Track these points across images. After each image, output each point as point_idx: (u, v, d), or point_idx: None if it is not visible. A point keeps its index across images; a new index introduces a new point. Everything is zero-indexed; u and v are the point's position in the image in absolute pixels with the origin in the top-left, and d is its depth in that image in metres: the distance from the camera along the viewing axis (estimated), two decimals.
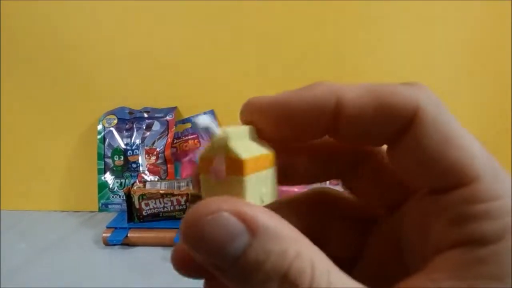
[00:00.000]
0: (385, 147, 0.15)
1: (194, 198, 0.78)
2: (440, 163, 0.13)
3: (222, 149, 0.14)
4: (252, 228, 0.12)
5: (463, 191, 0.13)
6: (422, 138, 0.13)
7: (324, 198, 0.19)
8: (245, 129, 0.15)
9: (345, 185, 0.18)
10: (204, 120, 0.14)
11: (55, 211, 0.89)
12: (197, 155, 0.88)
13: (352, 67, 0.84)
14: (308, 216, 0.18)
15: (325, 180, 0.18)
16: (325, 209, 0.18)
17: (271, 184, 0.15)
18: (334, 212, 0.18)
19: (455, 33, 0.81)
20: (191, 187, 0.76)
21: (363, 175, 0.17)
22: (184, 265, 0.16)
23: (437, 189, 0.14)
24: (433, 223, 0.14)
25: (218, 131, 0.14)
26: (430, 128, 0.13)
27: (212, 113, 0.87)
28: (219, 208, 0.12)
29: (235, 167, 0.13)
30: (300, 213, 0.18)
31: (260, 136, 0.15)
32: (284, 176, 0.16)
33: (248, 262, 0.11)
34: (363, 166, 0.17)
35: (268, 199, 0.15)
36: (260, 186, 0.14)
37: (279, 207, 0.16)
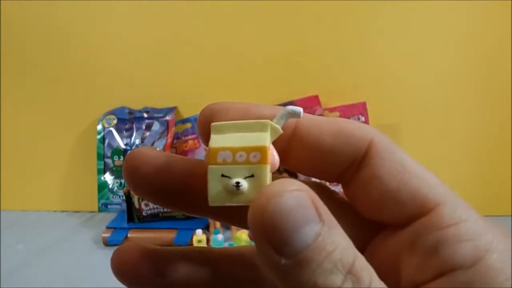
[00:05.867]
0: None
1: None
2: (400, 192, 0.13)
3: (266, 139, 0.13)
4: (321, 216, 0.11)
5: (428, 219, 0.13)
6: (379, 168, 0.14)
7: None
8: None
9: None
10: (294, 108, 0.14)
11: (55, 211, 0.89)
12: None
13: (352, 67, 0.84)
14: None
15: None
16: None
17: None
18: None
19: (456, 33, 0.81)
20: None
21: None
22: (129, 271, 0.15)
23: (400, 220, 0.14)
24: (404, 258, 0.13)
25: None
26: (386, 158, 0.14)
27: None
28: (297, 189, 0.12)
29: (259, 154, 0.13)
30: None
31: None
32: None
33: (318, 249, 0.11)
34: None
35: None
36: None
37: None
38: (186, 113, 0.89)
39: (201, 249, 0.17)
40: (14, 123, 0.89)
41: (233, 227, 0.72)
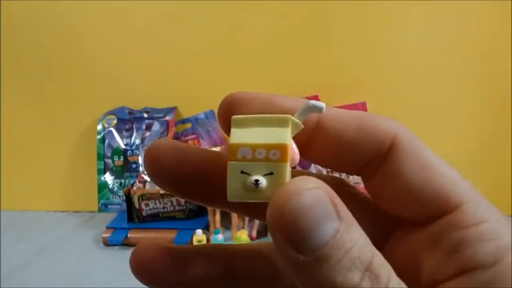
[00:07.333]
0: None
1: None
2: (424, 190, 0.13)
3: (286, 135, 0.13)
4: (339, 213, 0.12)
5: (451, 218, 0.13)
6: (403, 165, 0.14)
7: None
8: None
9: None
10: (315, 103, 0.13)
11: (55, 211, 0.90)
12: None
13: (352, 67, 0.84)
14: None
15: None
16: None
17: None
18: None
19: (456, 33, 0.81)
20: None
21: None
22: (146, 268, 0.15)
23: (422, 217, 0.14)
24: (425, 256, 0.13)
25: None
26: (410, 155, 0.14)
27: (212, 113, 0.87)
28: (316, 186, 0.12)
29: (278, 152, 0.13)
30: None
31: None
32: None
33: (336, 246, 0.11)
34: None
35: None
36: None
37: None
38: (186, 113, 0.89)
39: (217, 246, 0.17)
40: (14, 123, 0.89)
41: (232, 227, 0.72)
